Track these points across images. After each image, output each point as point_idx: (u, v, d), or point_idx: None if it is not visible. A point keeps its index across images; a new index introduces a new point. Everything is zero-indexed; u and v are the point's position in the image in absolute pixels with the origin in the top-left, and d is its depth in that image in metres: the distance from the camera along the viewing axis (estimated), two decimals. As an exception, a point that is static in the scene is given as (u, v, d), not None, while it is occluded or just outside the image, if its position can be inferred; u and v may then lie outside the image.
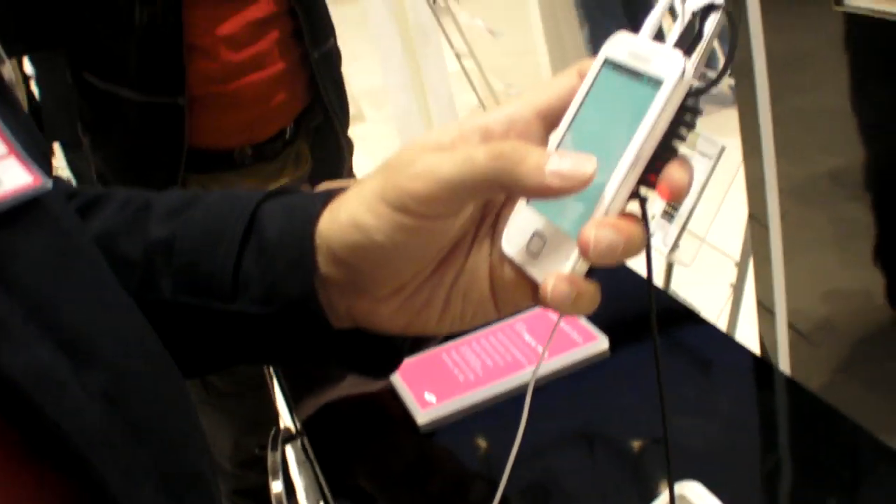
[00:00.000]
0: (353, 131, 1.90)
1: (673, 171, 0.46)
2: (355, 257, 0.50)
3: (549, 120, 0.51)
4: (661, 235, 1.58)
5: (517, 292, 0.51)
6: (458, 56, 3.78)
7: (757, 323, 1.92)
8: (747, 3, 1.50)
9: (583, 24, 4.37)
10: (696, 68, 0.47)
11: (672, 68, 0.46)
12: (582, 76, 0.51)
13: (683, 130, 0.47)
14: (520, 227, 0.51)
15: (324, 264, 0.52)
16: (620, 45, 0.50)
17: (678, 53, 0.47)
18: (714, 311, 2.13)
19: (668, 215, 1.59)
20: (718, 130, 1.88)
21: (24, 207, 0.40)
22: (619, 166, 0.46)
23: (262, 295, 0.53)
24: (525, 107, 0.51)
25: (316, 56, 1.64)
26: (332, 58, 1.71)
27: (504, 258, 0.52)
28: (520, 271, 0.51)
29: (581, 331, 1.16)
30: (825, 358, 1.81)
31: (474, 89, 3.87)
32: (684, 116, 0.47)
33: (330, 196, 0.53)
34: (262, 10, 1.56)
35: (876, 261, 1.55)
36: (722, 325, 2.13)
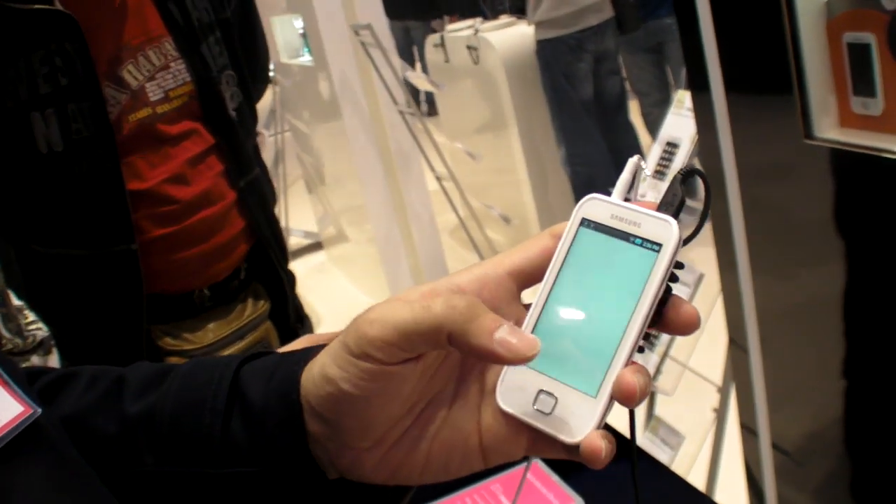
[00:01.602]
0: (337, 252, 1.91)
1: (681, 310, 0.51)
2: (330, 410, 0.52)
3: (521, 279, 0.55)
4: (643, 363, 1.59)
5: (512, 445, 0.53)
6: (438, 178, 3.83)
7: (741, 445, 1.91)
8: (720, 139, 1.54)
9: (559, 145, 4.46)
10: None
11: (668, 233, 0.51)
12: (555, 238, 0.55)
13: (672, 277, 0.52)
14: (519, 386, 0.53)
15: (307, 420, 0.53)
16: (597, 207, 0.54)
17: (669, 219, 0.51)
18: (698, 437, 2.12)
19: (649, 343, 1.60)
20: (698, 259, 1.91)
21: (21, 439, 0.41)
22: (634, 320, 0.50)
23: (255, 456, 0.54)
24: (496, 267, 0.54)
25: (242, 185, 1.64)
26: (260, 188, 1.71)
27: (499, 414, 0.53)
28: (517, 426, 0.53)
29: (557, 493, 1.14)
30: (811, 477, 1.80)
31: (454, 209, 3.91)
32: (674, 268, 0.51)
33: (310, 354, 0.55)
34: (198, 146, 1.57)
35: (854, 378, 1.56)
36: (707, 450, 2.12)
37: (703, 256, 1.92)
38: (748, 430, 1.84)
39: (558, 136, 4.45)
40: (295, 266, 1.96)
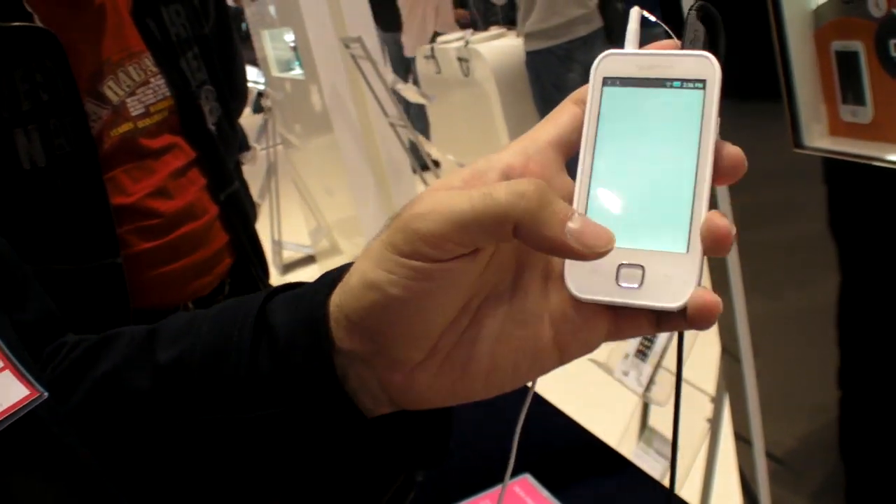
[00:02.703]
0: (330, 264, 1.92)
1: (730, 151, 0.47)
2: (375, 320, 0.46)
3: (562, 149, 0.50)
4: (636, 374, 1.58)
5: (591, 332, 0.47)
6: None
7: (735, 454, 1.91)
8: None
9: None
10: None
11: (709, 67, 0.49)
12: (580, 104, 0.51)
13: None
14: (592, 268, 0.47)
15: (345, 339, 0.48)
16: (617, 62, 0.51)
17: (704, 53, 0.49)
18: (692, 447, 2.11)
19: (642, 354, 1.60)
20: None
21: (18, 431, 0.40)
22: (703, 162, 0.47)
23: (282, 392, 0.49)
24: (535, 140, 0.49)
25: (222, 198, 1.65)
26: (240, 202, 1.72)
27: (569, 299, 0.48)
28: (593, 309, 0.48)
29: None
30: (806, 485, 1.80)
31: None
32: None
33: (342, 271, 0.50)
34: (180, 160, 1.57)
35: (847, 386, 1.56)
36: (701, 460, 2.11)
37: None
38: (742, 440, 1.84)
39: None
40: (288, 279, 1.95)
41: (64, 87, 1.41)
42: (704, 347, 1.98)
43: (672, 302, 0.46)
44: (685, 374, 1.70)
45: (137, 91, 1.51)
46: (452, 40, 4.85)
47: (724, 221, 0.45)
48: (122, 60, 1.50)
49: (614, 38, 4.13)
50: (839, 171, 1.41)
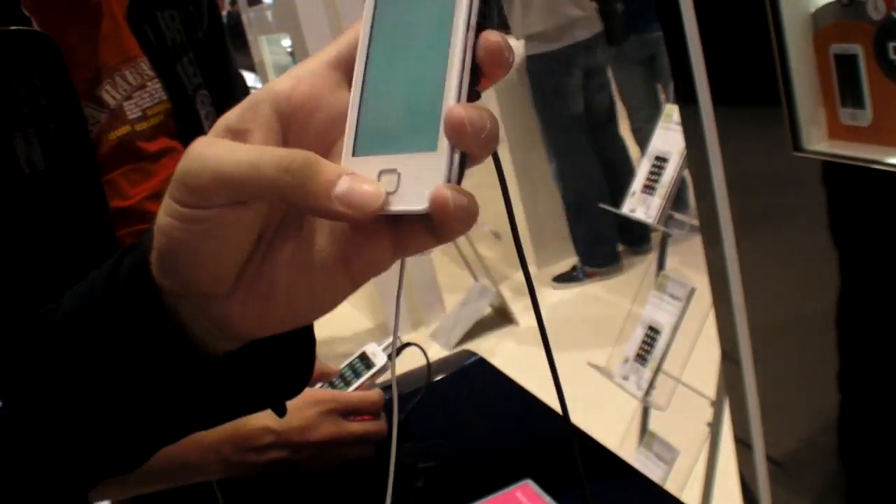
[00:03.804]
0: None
1: (488, 39, 0.45)
2: (171, 261, 0.48)
3: (342, 65, 0.50)
4: (636, 379, 1.58)
5: (374, 250, 0.47)
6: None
7: (736, 458, 1.90)
8: (708, 152, 1.54)
9: (550, 160, 4.46)
10: None
11: None
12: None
13: (486, 10, 0.46)
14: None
15: (162, 279, 0.49)
16: None
17: None
18: (693, 451, 2.11)
19: (642, 358, 1.59)
20: (690, 273, 1.90)
21: None
22: (452, 53, 0.45)
23: (126, 336, 0.51)
24: (312, 62, 0.50)
25: None
26: None
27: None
28: (372, 226, 0.47)
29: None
30: (806, 488, 1.80)
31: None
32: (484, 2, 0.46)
33: None
34: (177, 163, 1.57)
35: (847, 389, 1.56)
36: (701, 464, 2.11)
37: (694, 270, 1.91)
38: (743, 444, 1.84)
39: (549, 151, 4.46)
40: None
41: (62, 91, 1.41)
42: (705, 351, 1.98)
43: (417, 205, 0.44)
44: (686, 378, 1.69)
45: (134, 95, 1.51)
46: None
47: (458, 111, 0.43)
48: (119, 65, 1.50)
49: (614, 39, 4.13)
50: (839, 175, 1.41)
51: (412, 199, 0.44)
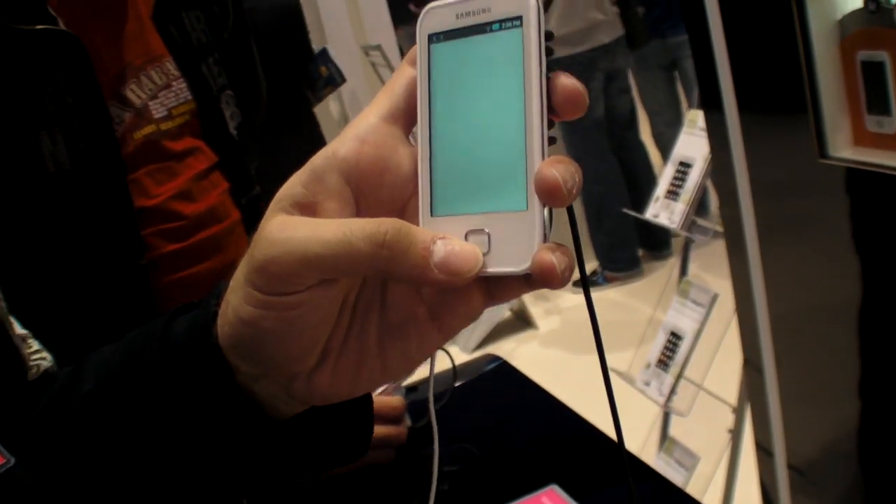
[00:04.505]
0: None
1: (559, 83, 0.44)
2: (258, 348, 0.46)
3: (401, 118, 0.48)
4: (657, 384, 1.58)
5: (465, 303, 0.46)
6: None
7: (756, 465, 1.90)
8: (734, 158, 1.53)
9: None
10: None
11: (523, 0, 0.44)
12: (413, 63, 0.48)
13: (548, 51, 0.45)
14: None
15: (239, 364, 0.48)
16: (438, 16, 0.47)
17: None
18: (713, 457, 2.10)
19: (664, 364, 1.59)
20: (713, 279, 1.90)
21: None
22: (530, 107, 0.44)
23: (197, 422, 0.50)
24: (366, 118, 0.48)
25: (244, 202, 1.65)
26: (261, 207, 1.72)
27: None
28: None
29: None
30: (827, 496, 1.79)
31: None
32: (545, 38, 0.45)
33: (220, 293, 0.50)
34: (202, 163, 1.58)
35: (870, 397, 1.55)
36: (722, 470, 2.10)
37: (717, 277, 1.91)
38: (763, 451, 1.83)
39: (570, 155, 4.45)
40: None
41: (88, 90, 1.42)
42: (726, 358, 1.98)
43: (517, 266, 0.44)
44: (707, 384, 1.69)
45: (160, 94, 1.52)
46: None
47: (551, 171, 0.43)
48: (145, 64, 1.51)
49: (635, 43, 4.12)
50: (864, 182, 1.41)
51: (509, 259, 0.44)
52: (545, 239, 0.44)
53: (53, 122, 1.39)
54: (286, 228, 0.44)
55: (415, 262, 0.43)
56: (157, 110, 1.52)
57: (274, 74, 1.84)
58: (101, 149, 1.43)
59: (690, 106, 3.33)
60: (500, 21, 0.45)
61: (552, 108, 0.45)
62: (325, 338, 0.47)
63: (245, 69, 1.79)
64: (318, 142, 3.02)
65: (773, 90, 1.51)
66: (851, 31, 1.36)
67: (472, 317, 0.47)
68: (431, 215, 0.46)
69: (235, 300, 0.47)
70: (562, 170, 0.43)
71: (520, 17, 0.44)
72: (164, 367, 0.50)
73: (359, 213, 0.47)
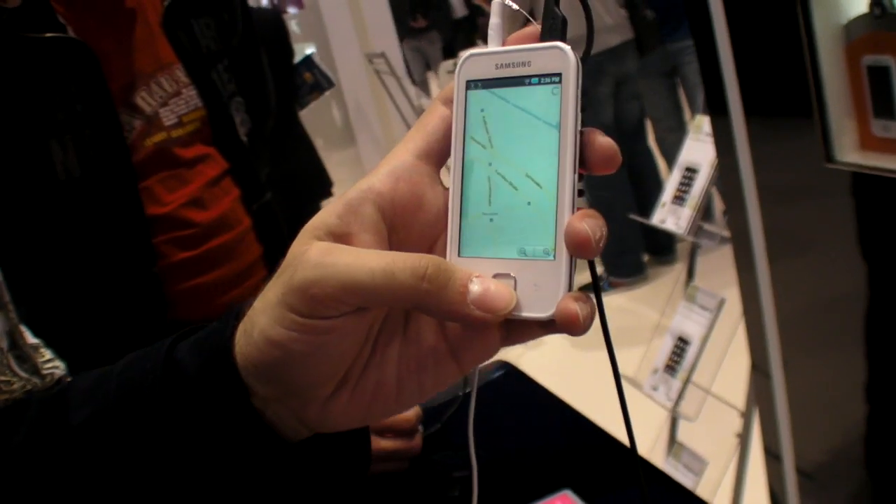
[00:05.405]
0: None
1: (596, 142, 0.46)
2: (283, 372, 0.47)
3: (433, 157, 0.49)
4: (665, 389, 1.58)
5: (484, 341, 0.48)
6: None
7: (765, 470, 1.89)
8: (740, 163, 1.53)
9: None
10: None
11: (564, 59, 0.46)
12: (449, 103, 0.50)
13: (582, 107, 0.47)
14: None
15: (256, 386, 0.49)
16: (478, 64, 0.49)
17: (559, 44, 0.47)
18: (722, 462, 2.10)
19: (671, 369, 1.59)
20: (720, 284, 1.89)
21: None
22: (563, 162, 0.46)
23: (206, 444, 0.50)
24: (402, 155, 0.49)
25: (254, 209, 1.65)
26: (272, 213, 1.72)
27: None
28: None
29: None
30: (835, 500, 1.79)
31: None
32: (581, 94, 0.47)
33: (238, 315, 0.50)
34: (213, 170, 1.58)
35: (878, 401, 1.55)
36: (730, 475, 2.10)
37: (724, 281, 1.91)
38: (772, 455, 1.83)
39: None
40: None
41: (98, 98, 1.42)
42: (734, 363, 1.98)
43: (541, 312, 0.46)
44: (715, 389, 1.69)
45: (170, 101, 1.52)
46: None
47: (582, 226, 0.45)
48: (155, 72, 1.51)
49: (645, 48, 4.10)
50: (870, 186, 1.41)
51: (534, 305, 0.46)
52: (570, 288, 0.46)
53: (64, 130, 1.39)
54: (331, 254, 0.45)
55: (453, 297, 0.44)
56: (168, 117, 1.52)
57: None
58: (112, 156, 1.43)
59: (693, 112, 3.33)
60: (540, 76, 0.47)
61: (584, 163, 0.46)
62: (348, 365, 0.48)
63: (254, 76, 1.79)
64: (309, 148, 3.01)
65: (779, 95, 1.51)
66: (857, 36, 1.36)
67: (489, 355, 0.49)
68: (459, 255, 0.48)
69: (265, 321, 0.47)
70: (591, 224, 0.45)
71: (559, 74, 0.46)
72: (173, 393, 0.50)
73: (390, 248, 0.48)
